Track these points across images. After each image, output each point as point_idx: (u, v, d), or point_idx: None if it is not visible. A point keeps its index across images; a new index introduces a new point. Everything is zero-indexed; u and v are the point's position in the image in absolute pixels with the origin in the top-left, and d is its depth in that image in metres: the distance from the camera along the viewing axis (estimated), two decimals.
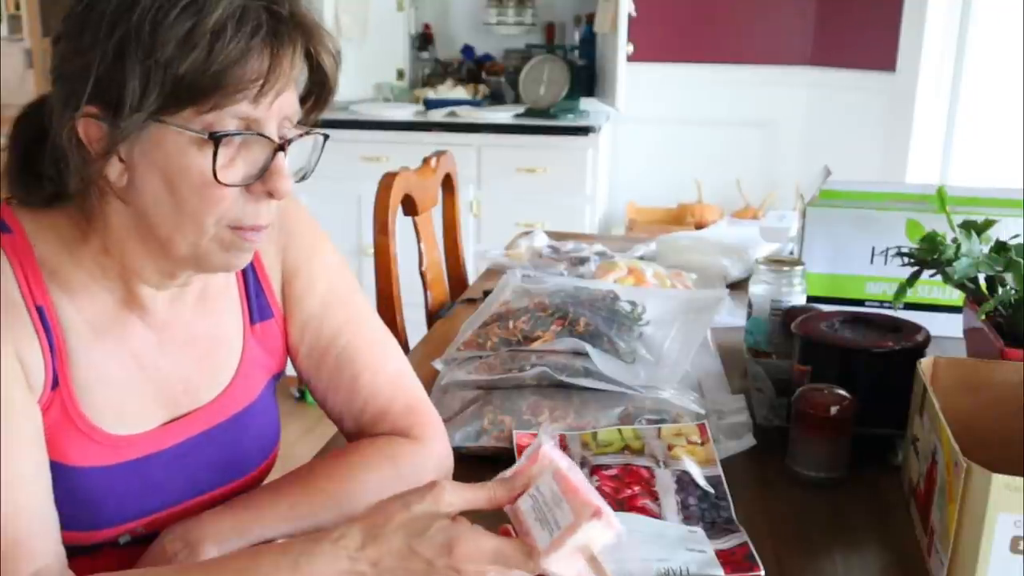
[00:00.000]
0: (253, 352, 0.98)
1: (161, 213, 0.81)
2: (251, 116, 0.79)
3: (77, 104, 0.78)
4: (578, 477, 0.76)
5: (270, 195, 0.83)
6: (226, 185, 0.80)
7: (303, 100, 0.86)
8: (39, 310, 0.82)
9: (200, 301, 0.95)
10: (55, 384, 0.83)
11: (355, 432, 1.02)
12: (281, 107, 0.81)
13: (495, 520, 0.79)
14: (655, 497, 1.02)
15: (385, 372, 1.02)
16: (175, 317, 0.92)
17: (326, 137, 0.89)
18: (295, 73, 0.81)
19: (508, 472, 0.79)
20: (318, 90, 0.87)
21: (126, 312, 0.88)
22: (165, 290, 0.90)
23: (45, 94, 0.86)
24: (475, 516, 0.77)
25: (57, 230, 0.85)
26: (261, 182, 0.82)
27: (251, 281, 0.98)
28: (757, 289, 1.46)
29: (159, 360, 0.91)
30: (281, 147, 0.82)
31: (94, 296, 0.86)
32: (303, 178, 0.89)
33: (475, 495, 0.77)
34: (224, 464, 0.95)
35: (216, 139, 0.78)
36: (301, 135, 0.86)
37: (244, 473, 0.97)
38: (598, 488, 1.02)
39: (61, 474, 0.82)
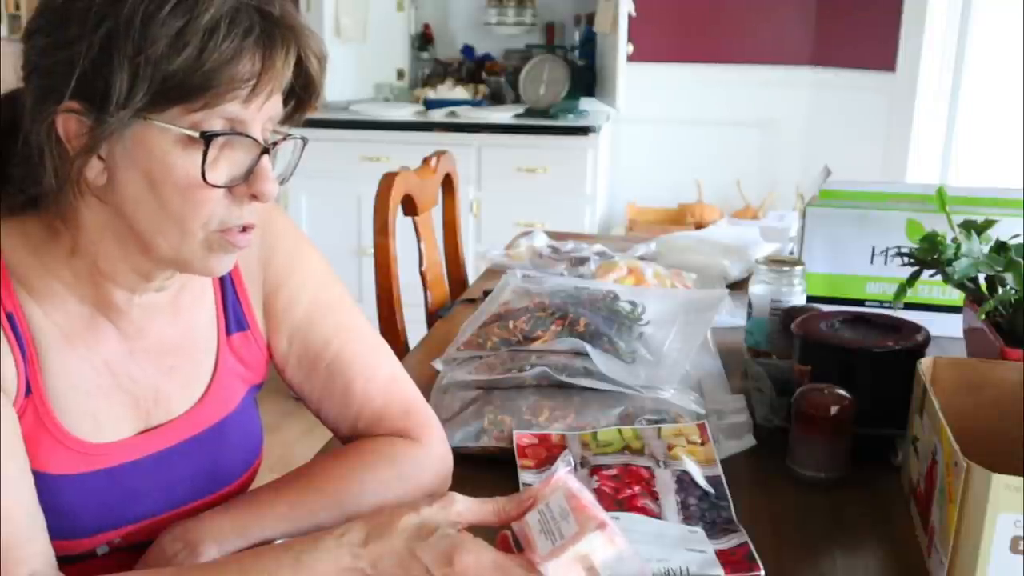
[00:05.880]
0: (228, 362, 0.96)
1: (142, 213, 0.79)
2: (238, 117, 0.78)
3: (58, 99, 0.76)
4: (588, 498, 0.76)
5: (254, 197, 0.82)
6: (212, 186, 0.78)
7: (285, 102, 0.85)
8: (9, 317, 0.80)
9: (174, 309, 0.93)
10: (28, 391, 0.81)
11: (352, 439, 1.01)
12: (267, 109, 0.81)
13: (495, 535, 0.79)
14: (655, 497, 1.02)
15: (378, 377, 1.01)
16: (148, 325, 0.90)
17: (305, 141, 0.88)
18: (286, 75, 0.80)
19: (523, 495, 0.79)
20: (303, 93, 0.86)
21: (99, 318, 0.86)
22: (139, 294, 0.87)
23: (8, 92, 0.83)
24: (476, 531, 0.77)
25: (25, 236, 0.83)
26: (246, 184, 0.81)
27: (229, 291, 0.96)
28: (757, 289, 1.46)
29: (131, 368, 0.89)
30: (266, 149, 0.81)
31: (65, 302, 0.84)
32: (282, 182, 0.87)
33: (484, 508, 0.77)
34: (204, 475, 0.94)
35: (206, 138, 0.77)
36: (284, 138, 0.85)
37: (225, 484, 0.96)
38: (598, 488, 1.03)
39: (35, 481, 0.81)
